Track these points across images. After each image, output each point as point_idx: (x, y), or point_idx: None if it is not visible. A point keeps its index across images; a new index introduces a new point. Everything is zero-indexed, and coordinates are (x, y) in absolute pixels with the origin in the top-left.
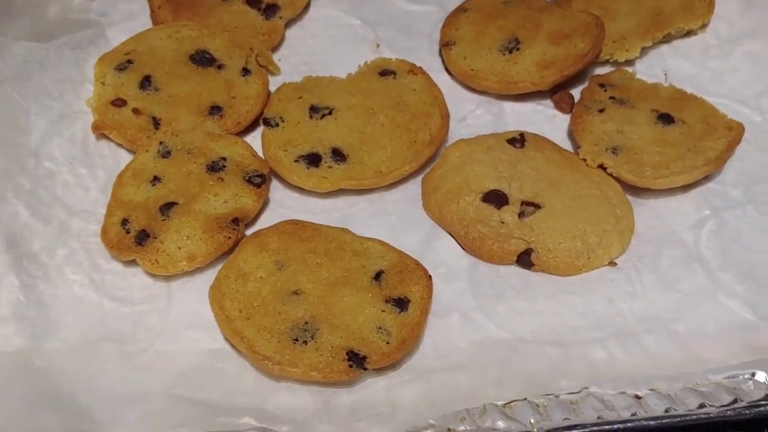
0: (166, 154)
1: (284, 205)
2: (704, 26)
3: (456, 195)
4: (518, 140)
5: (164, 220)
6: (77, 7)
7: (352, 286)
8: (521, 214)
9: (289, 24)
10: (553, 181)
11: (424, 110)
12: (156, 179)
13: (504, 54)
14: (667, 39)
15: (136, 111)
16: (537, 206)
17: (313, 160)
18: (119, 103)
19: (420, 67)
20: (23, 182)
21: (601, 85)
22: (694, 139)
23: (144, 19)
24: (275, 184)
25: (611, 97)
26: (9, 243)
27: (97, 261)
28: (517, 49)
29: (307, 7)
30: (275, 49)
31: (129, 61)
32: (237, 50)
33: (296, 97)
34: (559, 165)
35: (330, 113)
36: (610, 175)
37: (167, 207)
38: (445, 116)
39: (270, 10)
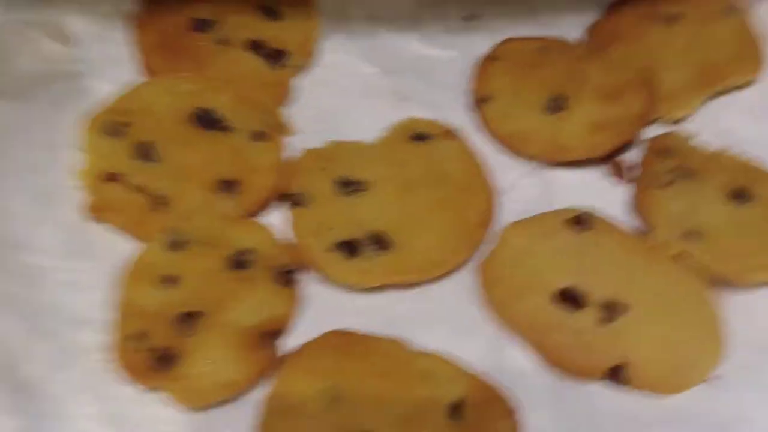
0: (178, 246)
1: (319, 302)
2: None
3: (522, 293)
4: (581, 221)
5: (188, 335)
6: (50, 55)
7: (428, 429)
8: (604, 319)
9: (296, 72)
10: (630, 273)
11: (468, 183)
12: (170, 279)
13: (549, 114)
14: (719, 92)
15: (137, 189)
16: (620, 308)
17: (351, 248)
18: (117, 179)
19: (456, 130)
20: (8, 286)
21: (661, 152)
22: None
23: (131, 64)
24: (305, 275)
25: (675, 168)
26: None
27: (107, 387)
28: (564, 109)
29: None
30: (283, 104)
31: (122, 124)
32: (245, 108)
33: (320, 168)
34: (632, 252)
35: (362, 188)
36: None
37: (189, 318)
38: (492, 191)
39: (276, 57)
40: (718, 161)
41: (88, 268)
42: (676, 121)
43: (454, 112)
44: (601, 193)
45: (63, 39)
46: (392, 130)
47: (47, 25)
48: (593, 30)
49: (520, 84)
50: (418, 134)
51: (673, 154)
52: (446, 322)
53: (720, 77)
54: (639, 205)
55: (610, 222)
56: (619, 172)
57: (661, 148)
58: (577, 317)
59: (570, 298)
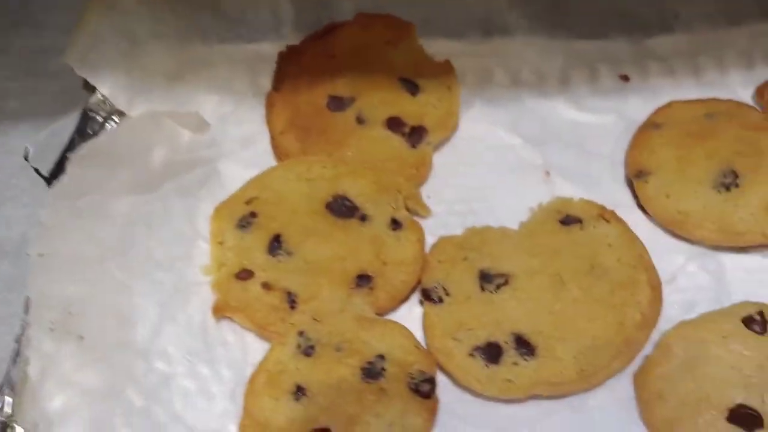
0: (308, 350)
1: (456, 413)
2: None
3: (692, 412)
4: (758, 321)
5: None
6: (188, 145)
7: None
8: None
9: (435, 147)
10: None
11: (628, 276)
12: (300, 390)
13: (719, 191)
14: None
15: (266, 286)
16: None
17: (493, 353)
18: (245, 275)
19: (613, 212)
20: (133, 398)
21: None
22: None
23: (263, 144)
24: (441, 380)
25: None
26: None
27: None
28: (737, 186)
29: None
30: (423, 183)
31: (252, 214)
32: (383, 195)
33: (461, 259)
34: None
35: (506, 282)
36: None
37: None
38: (657, 285)
39: (416, 135)
40: None
41: (213, 373)
42: None
43: (609, 188)
44: None
45: (199, 127)
46: (539, 212)
47: (185, 114)
48: (765, 89)
49: (684, 157)
50: (569, 217)
51: None
52: None
53: None
54: None
55: None
56: None
57: None
58: None
59: (744, 419)
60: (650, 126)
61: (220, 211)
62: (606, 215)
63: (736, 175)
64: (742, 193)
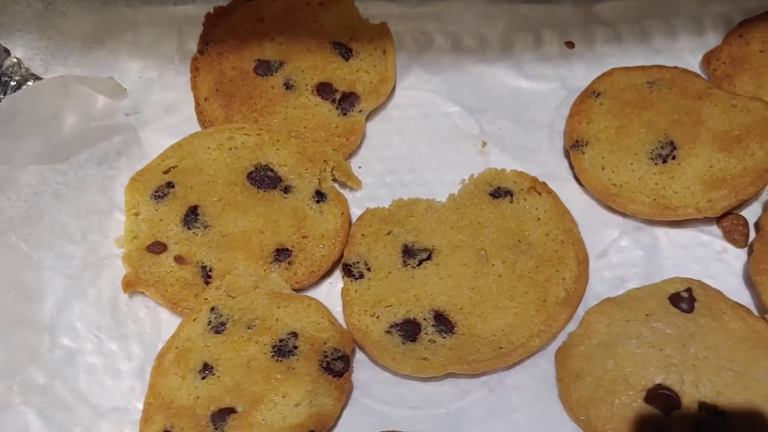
0: (219, 327)
1: (371, 392)
2: None
3: (609, 393)
4: (685, 299)
5: None
6: (103, 111)
7: None
8: (699, 425)
9: (369, 115)
10: (740, 369)
11: (554, 251)
12: (207, 368)
13: (656, 163)
14: None
15: (179, 259)
16: (720, 412)
17: (411, 331)
18: (158, 248)
19: (544, 184)
20: (35, 376)
21: None
22: None
23: (189, 112)
24: (358, 357)
25: None
26: None
27: None
28: (673, 158)
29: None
30: (353, 153)
31: (169, 184)
32: (308, 165)
33: (384, 233)
34: (744, 341)
35: (429, 257)
36: None
37: (222, 415)
38: (584, 260)
39: (347, 102)
40: None
41: (122, 350)
42: None
43: (546, 159)
44: (715, 259)
45: (115, 92)
46: (470, 184)
47: (99, 79)
48: (713, 57)
49: (623, 127)
50: (500, 189)
51: None
52: (516, 424)
53: None
54: (754, 277)
55: (721, 298)
56: (735, 233)
57: None
58: (668, 421)
59: (661, 400)
60: (590, 94)
61: (135, 180)
62: (538, 187)
63: (673, 147)
64: (678, 165)
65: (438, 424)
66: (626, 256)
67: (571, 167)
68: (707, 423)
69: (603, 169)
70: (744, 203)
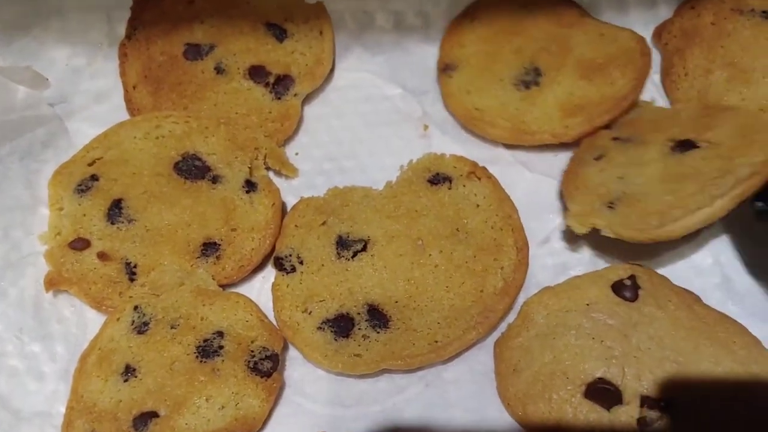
0: (142, 327)
1: (304, 391)
2: None
3: (546, 387)
4: (628, 287)
5: None
6: (24, 102)
7: None
8: (643, 422)
9: (307, 98)
10: (684, 360)
11: (492, 239)
12: (129, 370)
13: (519, 89)
14: None
15: (102, 256)
16: (664, 406)
17: (344, 326)
18: (80, 245)
19: (484, 169)
20: None
21: (607, 127)
22: (722, 160)
23: (118, 100)
24: (292, 354)
25: (615, 138)
26: None
27: None
28: (537, 84)
29: (330, 70)
30: (290, 138)
31: (93, 177)
32: (238, 153)
33: (318, 223)
34: (690, 330)
35: (364, 249)
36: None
37: (144, 419)
38: (523, 247)
39: (282, 86)
40: (672, 118)
41: (45, 351)
42: None
43: (489, 141)
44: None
45: (36, 82)
46: (408, 170)
47: (17, 68)
48: (664, 30)
49: (492, 52)
50: (438, 175)
51: (622, 124)
52: (454, 419)
53: None
54: (561, 187)
55: (670, 287)
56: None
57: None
58: (609, 417)
59: (602, 395)
60: (466, 17)
61: (58, 174)
62: (478, 172)
63: (538, 73)
64: (540, 92)
65: (372, 423)
66: (569, 242)
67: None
68: (649, 417)
69: (468, 93)
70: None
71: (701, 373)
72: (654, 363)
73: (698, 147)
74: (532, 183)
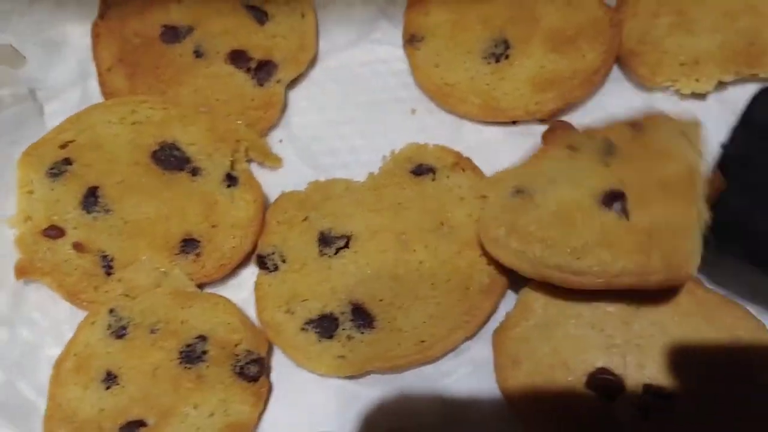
0: (120, 332)
1: (292, 394)
2: None
3: (547, 378)
4: None
5: None
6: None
7: None
8: (645, 410)
9: (292, 83)
10: (685, 347)
11: (478, 234)
12: (110, 377)
13: (489, 62)
14: (756, 76)
15: (78, 246)
16: (666, 396)
17: (327, 327)
18: (55, 233)
19: (468, 160)
20: None
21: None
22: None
23: (93, 85)
24: (277, 355)
25: None
26: None
27: None
28: (506, 57)
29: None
30: (273, 126)
31: (66, 161)
32: (219, 144)
33: (300, 219)
34: (692, 315)
35: (347, 245)
36: None
37: (131, 429)
38: None
39: (264, 71)
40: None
41: (13, 353)
42: (691, 96)
43: (476, 129)
44: None
45: (14, 60)
46: (390, 161)
47: None
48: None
49: (459, 22)
50: (422, 166)
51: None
52: (450, 418)
53: (763, 58)
54: None
55: None
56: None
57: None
58: (613, 408)
59: (603, 385)
60: None
61: (28, 155)
62: (462, 163)
63: (507, 45)
64: (510, 65)
65: (370, 416)
66: None
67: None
68: (653, 407)
69: (437, 67)
70: (572, 106)
71: (704, 359)
72: (656, 350)
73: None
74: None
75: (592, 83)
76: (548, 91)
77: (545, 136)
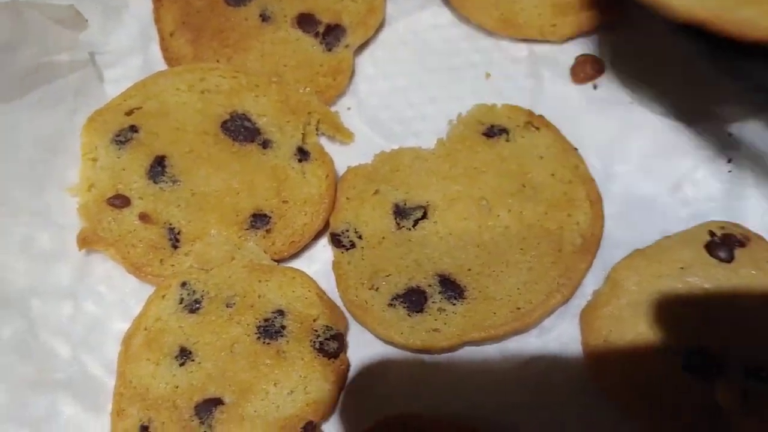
0: (193, 306)
1: (372, 372)
2: None
3: (641, 359)
4: (723, 246)
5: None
6: (60, 44)
7: None
8: (747, 394)
9: (359, 48)
10: None
11: (563, 193)
12: (185, 353)
13: None
14: None
15: (144, 217)
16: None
17: (416, 301)
18: (120, 202)
19: (541, 117)
20: None
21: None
22: None
23: (155, 51)
24: (354, 331)
25: None
26: None
27: None
28: None
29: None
30: (341, 94)
31: (132, 128)
32: (290, 117)
33: (370, 193)
34: None
35: (425, 216)
36: None
37: (208, 407)
38: (597, 201)
39: (333, 36)
40: None
41: (78, 328)
42: None
43: (556, 87)
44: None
45: (76, 23)
46: (459, 124)
47: (57, 6)
48: None
49: None
50: (493, 127)
51: None
52: (538, 392)
53: None
54: None
55: (765, 246)
56: (582, 73)
57: None
58: (713, 391)
59: (701, 365)
60: None
61: (93, 120)
62: (535, 122)
63: None
64: None
65: (451, 402)
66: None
67: None
68: (755, 390)
69: None
70: (587, 35)
71: None
72: (757, 330)
73: None
74: (602, 132)
75: (608, 14)
76: (567, 15)
77: (574, 70)
